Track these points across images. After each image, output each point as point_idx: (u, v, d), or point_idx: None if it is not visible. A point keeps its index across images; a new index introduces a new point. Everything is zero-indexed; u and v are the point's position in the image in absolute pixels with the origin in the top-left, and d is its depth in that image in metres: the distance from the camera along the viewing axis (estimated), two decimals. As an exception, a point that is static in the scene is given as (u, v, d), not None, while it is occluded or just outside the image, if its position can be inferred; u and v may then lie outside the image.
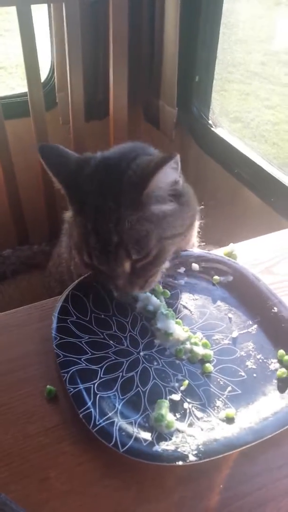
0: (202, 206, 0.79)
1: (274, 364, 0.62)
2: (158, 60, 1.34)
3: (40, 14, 1.42)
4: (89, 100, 1.39)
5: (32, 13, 1.12)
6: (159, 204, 0.63)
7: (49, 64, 1.47)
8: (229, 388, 0.60)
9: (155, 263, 0.64)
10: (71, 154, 0.68)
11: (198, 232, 0.84)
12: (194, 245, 0.85)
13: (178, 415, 0.57)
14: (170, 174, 0.61)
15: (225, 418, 0.56)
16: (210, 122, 1.33)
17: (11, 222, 1.35)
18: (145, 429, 0.55)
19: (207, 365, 0.62)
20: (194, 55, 1.29)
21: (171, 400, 0.58)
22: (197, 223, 0.80)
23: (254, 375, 0.61)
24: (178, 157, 0.59)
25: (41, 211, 1.38)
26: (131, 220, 0.59)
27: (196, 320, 0.69)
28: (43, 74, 1.43)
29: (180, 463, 0.51)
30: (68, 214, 0.68)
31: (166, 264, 0.68)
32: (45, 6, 1.36)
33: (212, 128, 1.31)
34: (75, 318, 0.67)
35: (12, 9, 1.10)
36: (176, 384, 0.60)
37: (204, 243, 0.86)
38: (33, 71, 1.19)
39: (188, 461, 0.51)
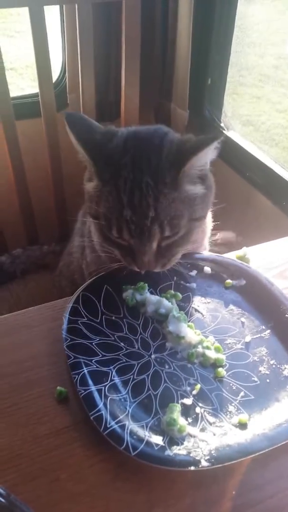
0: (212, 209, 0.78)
1: (287, 370, 0.62)
2: (171, 62, 1.33)
3: (51, 15, 1.42)
4: (100, 101, 1.39)
5: (45, 14, 1.12)
6: (192, 185, 0.64)
7: (60, 65, 1.47)
8: (242, 393, 0.59)
9: (180, 243, 0.66)
10: (95, 124, 0.68)
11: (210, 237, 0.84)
12: (206, 249, 0.84)
13: (190, 420, 0.56)
14: (211, 154, 0.62)
15: (238, 424, 0.55)
16: (222, 125, 1.32)
17: (21, 222, 1.35)
18: (156, 433, 0.54)
19: (220, 369, 0.61)
20: (207, 58, 1.28)
21: (183, 404, 0.57)
22: (210, 226, 0.80)
23: (267, 380, 0.61)
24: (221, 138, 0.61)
25: (51, 211, 1.38)
26: (168, 198, 0.61)
27: (208, 324, 0.68)
28: (54, 75, 1.43)
29: (192, 468, 0.50)
30: (91, 185, 0.66)
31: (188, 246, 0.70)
32: (56, 7, 1.36)
33: (224, 131, 1.30)
34: (86, 319, 0.66)
35: (24, 10, 1.10)
36: (188, 388, 0.59)
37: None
38: (44, 72, 1.19)
39: (200, 466, 0.50)
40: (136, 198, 0.60)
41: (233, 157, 1.27)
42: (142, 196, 0.60)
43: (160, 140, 0.64)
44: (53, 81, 1.40)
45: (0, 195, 1.31)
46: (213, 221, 0.82)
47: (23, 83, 3.24)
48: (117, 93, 1.35)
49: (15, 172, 1.28)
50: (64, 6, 1.29)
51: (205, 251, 0.83)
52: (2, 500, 0.49)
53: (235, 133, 1.30)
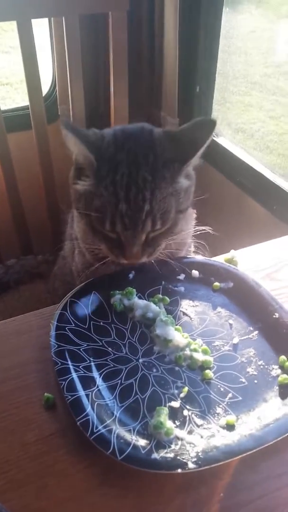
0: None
1: (275, 370, 0.61)
2: (159, 72, 1.35)
3: (42, 28, 1.44)
4: (90, 112, 1.40)
5: (32, 27, 1.13)
6: (184, 178, 0.67)
7: (51, 77, 1.49)
8: (230, 395, 0.59)
9: (166, 234, 0.69)
10: (84, 129, 0.72)
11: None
12: (191, 247, 0.85)
13: (177, 422, 0.56)
14: (209, 141, 0.65)
15: (225, 425, 0.55)
16: (211, 131, 1.33)
17: (15, 233, 1.36)
18: (143, 436, 0.54)
19: (207, 371, 0.61)
20: (195, 66, 1.30)
21: (171, 407, 0.57)
22: (192, 222, 0.81)
23: (255, 381, 0.60)
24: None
25: (44, 221, 1.39)
26: (163, 192, 0.64)
27: (196, 327, 0.68)
28: (45, 87, 1.45)
29: (179, 470, 0.50)
30: (82, 183, 0.68)
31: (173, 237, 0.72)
32: (45, 21, 1.37)
33: (213, 138, 1.31)
34: (73, 325, 0.66)
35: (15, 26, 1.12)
36: (176, 391, 0.59)
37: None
38: (34, 84, 1.20)
39: (187, 468, 0.50)
40: (132, 193, 0.63)
41: (223, 163, 1.28)
42: (139, 190, 0.63)
43: (150, 137, 0.68)
44: (44, 93, 1.42)
45: (-7, 207, 1.32)
46: (196, 222, 0.83)
47: (18, 97, 3.27)
48: (107, 104, 1.36)
49: (7, 184, 1.29)
50: (52, 19, 1.31)
51: (194, 255, 0.83)
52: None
53: (225, 139, 1.31)
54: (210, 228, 0.79)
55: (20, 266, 1.29)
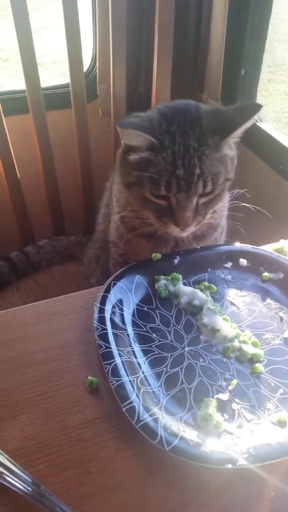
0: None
1: None
2: (204, 52, 1.30)
3: (82, 6, 1.40)
4: (131, 92, 1.36)
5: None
6: (228, 149, 0.74)
7: (91, 56, 1.46)
8: (281, 391, 0.56)
9: (214, 201, 0.75)
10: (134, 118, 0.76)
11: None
12: (224, 228, 0.91)
13: (226, 416, 0.53)
14: (249, 123, 0.72)
15: (277, 422, 0.53)
16: (255, 116, 1.28)
17: (49, 213, 1.34)
18: (191, 428, 0.52)
19: (257, 365, 0.58)
20: (241, 48, 1.25)
21: (219, 400, 0.55)
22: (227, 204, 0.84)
23: (308, 378, 0.58)
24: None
25: (79, 203, 1.37)
26: (210, 158, 0.71)
27: (244, 318, 0.65)
28: (84, 66, 1.41)
29: (230, 466, 0.48)
30: (136, 155, 0.73)
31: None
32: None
33: (257, 123, 1.26)
34: (117, 309, 0.64)
35: (50, 5, 1.08)
36: (224, 383, 0.57)
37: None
38: (76, 61, 1.17)
39: (238, 464, 0.48)
40: (186, 159, 0.70)
41: (266, 149, 1.23)
42: (191, 157, 0.70)
43: (196, 111, 0.74)
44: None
45: (28, 186, 1.30)
46: (230, 201, 0.83)
47: (50, 78, 3.25)
48: (148, 84, 1.33)
49: (44, 163, 1.27)
50: (96, -5, 1.27)
51: (239, 243, 0.80)
52: (31, 491, 0.47)
53: (269, 125, 1.26)
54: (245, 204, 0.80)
55: (52, 246, 1.28)
